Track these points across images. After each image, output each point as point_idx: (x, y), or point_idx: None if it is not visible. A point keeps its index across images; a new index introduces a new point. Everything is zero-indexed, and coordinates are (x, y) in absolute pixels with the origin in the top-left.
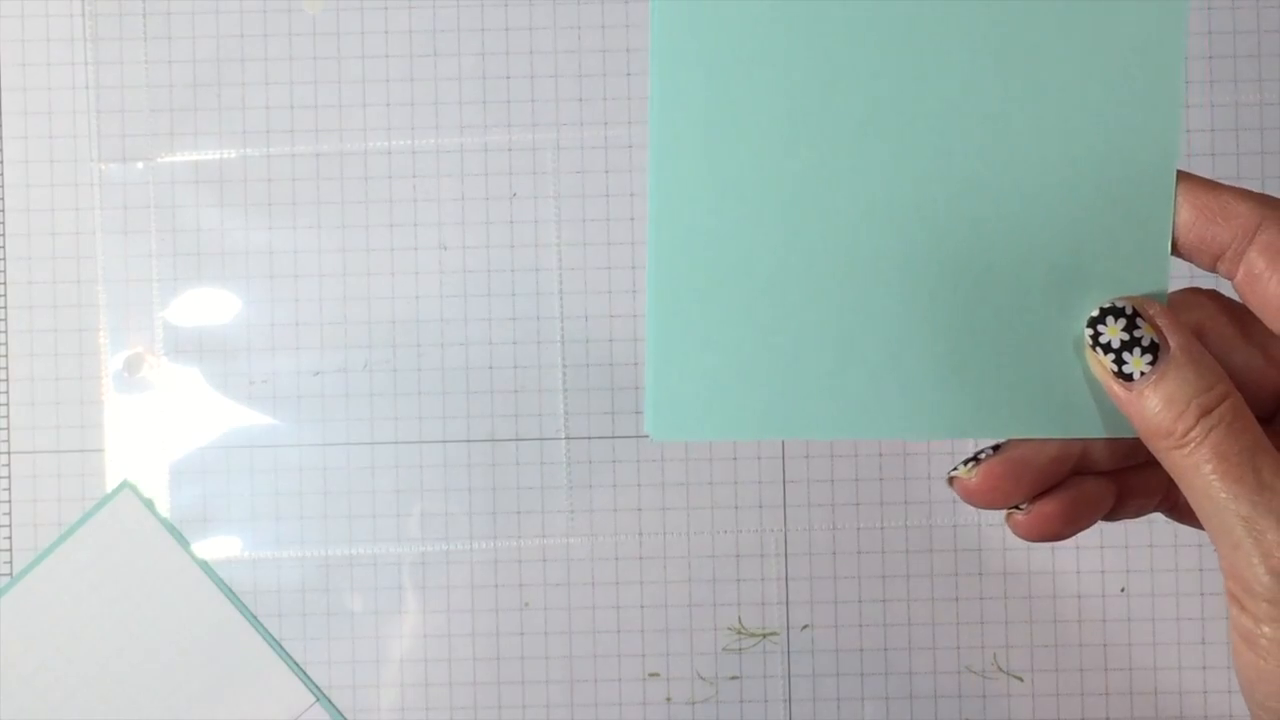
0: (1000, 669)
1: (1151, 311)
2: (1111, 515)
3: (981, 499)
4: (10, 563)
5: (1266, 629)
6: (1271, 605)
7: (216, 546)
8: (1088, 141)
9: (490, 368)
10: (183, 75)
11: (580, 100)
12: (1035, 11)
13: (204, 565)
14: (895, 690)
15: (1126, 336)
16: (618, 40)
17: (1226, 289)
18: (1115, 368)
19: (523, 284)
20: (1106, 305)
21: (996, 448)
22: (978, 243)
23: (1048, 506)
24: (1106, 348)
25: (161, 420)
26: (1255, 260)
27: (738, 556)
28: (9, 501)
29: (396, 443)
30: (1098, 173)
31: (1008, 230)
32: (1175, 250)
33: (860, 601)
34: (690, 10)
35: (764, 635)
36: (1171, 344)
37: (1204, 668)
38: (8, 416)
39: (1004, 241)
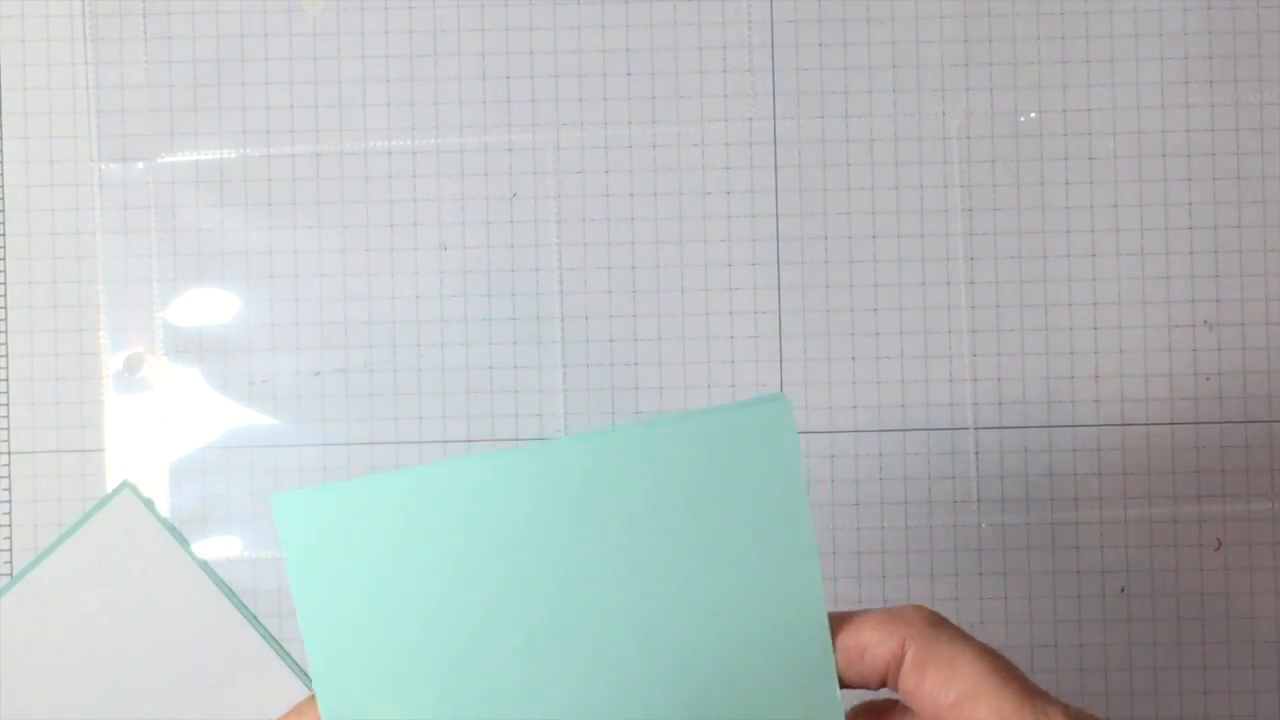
0: None
1: None
2: None
3: None
4: (10, 563)
5: None
6: None
7: (216, 546)
8: (741, 618)
9: (490, 368)
10: (183, 75)
11: (580, 100)
12: (661, 508)
13: (204, 565)
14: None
15: None
16: (618, 40)
17: None
18: None
19: (523, 284)
20: None
21: None
22: None
23: None
24: None
25: (161, 420)
26: (908, 676)
27: None
28: (9, 501)
29: (396, 443)
30: (759, 643)
31: (688, 713)
32: (846, 686)
33: (860, 601)
34: (315, 520)
35: None
36: None
37: (1204, 668)
38: (8, 416)
39: None
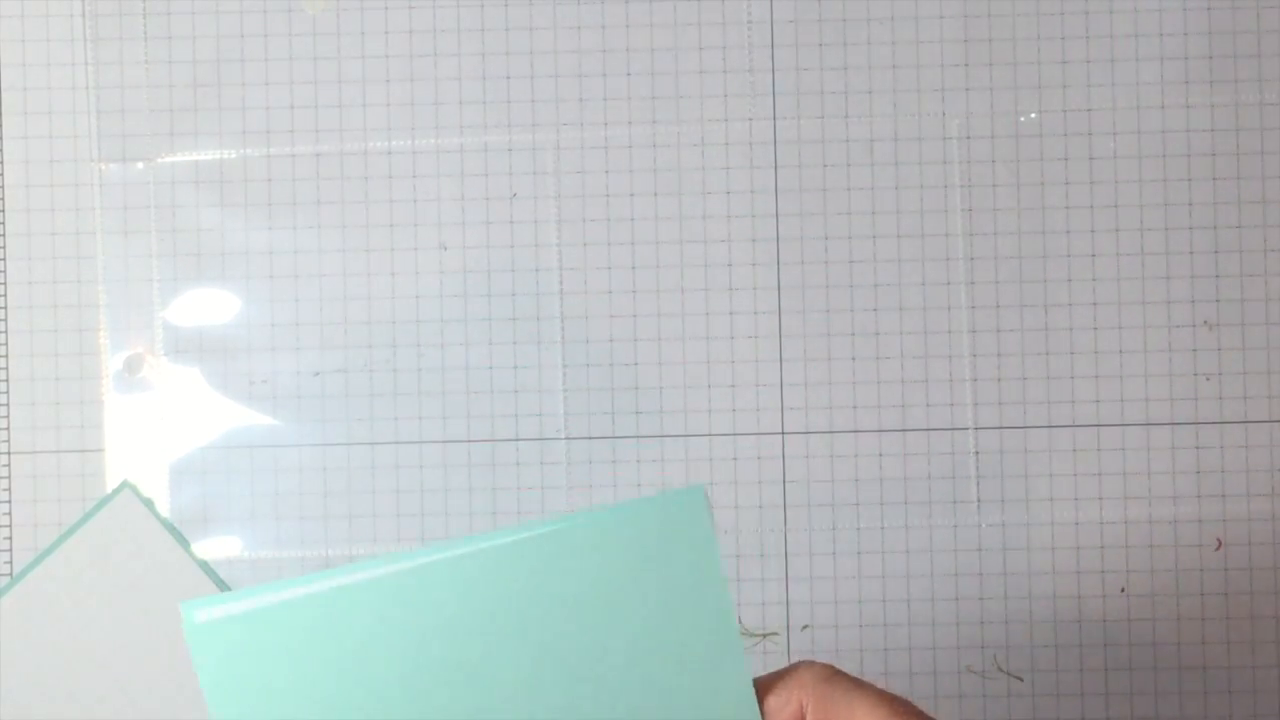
0: (1000, 669)
1: None
2: None
3: None
4: (10, 563)
5: None
6: None
7: (216, 546)
8: (668, 709)
9: (490, 368)
10: (183, 75)
11: (580, 100)
12: (580, 607)
13: (204, 565)
14: (895, 690)
15: None
16: (618, 40)
17: None
18: None
19: (523, 284)
20: None
21: None
22: None
23: None
24: None
25: (161, 420)
26: None
27: (738, 556)
28: (9, 501)
29: (396, 443)
30: None
31: None
32: None
33: (860, 601)
34: (228, 636)
35: (764, 635)
36: None
37: (1204, 668)
38: (8, 416)
39: None
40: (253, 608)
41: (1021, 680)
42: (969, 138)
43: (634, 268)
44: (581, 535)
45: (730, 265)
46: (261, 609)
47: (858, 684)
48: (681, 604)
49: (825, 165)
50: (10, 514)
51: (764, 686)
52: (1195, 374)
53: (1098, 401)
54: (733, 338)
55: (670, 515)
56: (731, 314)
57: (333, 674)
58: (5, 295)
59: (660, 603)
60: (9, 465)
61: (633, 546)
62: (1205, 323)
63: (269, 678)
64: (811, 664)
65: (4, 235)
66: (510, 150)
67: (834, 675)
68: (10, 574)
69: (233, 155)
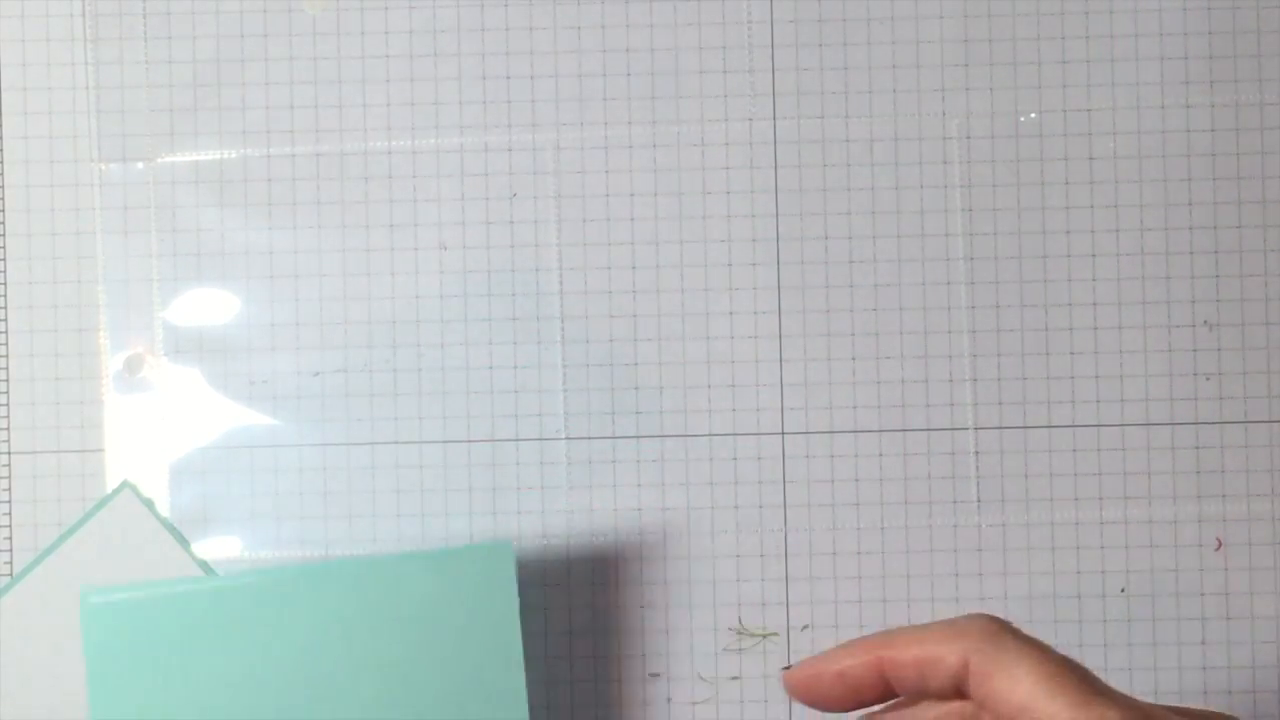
0: None
1: None
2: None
3: (796, 696)
4: (10, 563)
5: None
6: None
7: (216, 546)
8: None
9: (490, 368)
10: (183, 75)
11: (580, 100)
12: (400, 628)
13: (204, 565)
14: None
15: None
16: (618, 40)
17: None
18: None
19: (523, 284)
20: None
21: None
22: None
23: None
24: None
25: (161, 420)
26: (975, 688)
27: (738, 556)
28: (9, 501)
29: (396, 443)
30: None
31: None
32: (926, 698)
33: (860, 601)
34: (117, 623)
35: (764, 635)
36: None
37: (1204, 668)
38: (8, 416)
39: None
40: (140, 598)
41: None
42: (969, 138)
43: (634, 268)
44: (414, 565)
45: (730, 265)
46: (147, 599)
47: (1027, 643)
48: (480, 636)
49: (825, 165)
50: (10, 514)
51: (933, 637)
52: (1195, 374)
53: (1098, 401)
54: (733, 338)
55: (482, 560)
56: (731, 314)
57: (199, 663)
58: (5, 295)
59: (464, 626)
60: (9, 465)
61: (451, 582)
62: (1205, 323)
63: (145, 660)
64: (981, 616)
65: (4, 235)
66: (510, 150)
67: (1002, 630)
68: (10, 574)
69: (233, 155)
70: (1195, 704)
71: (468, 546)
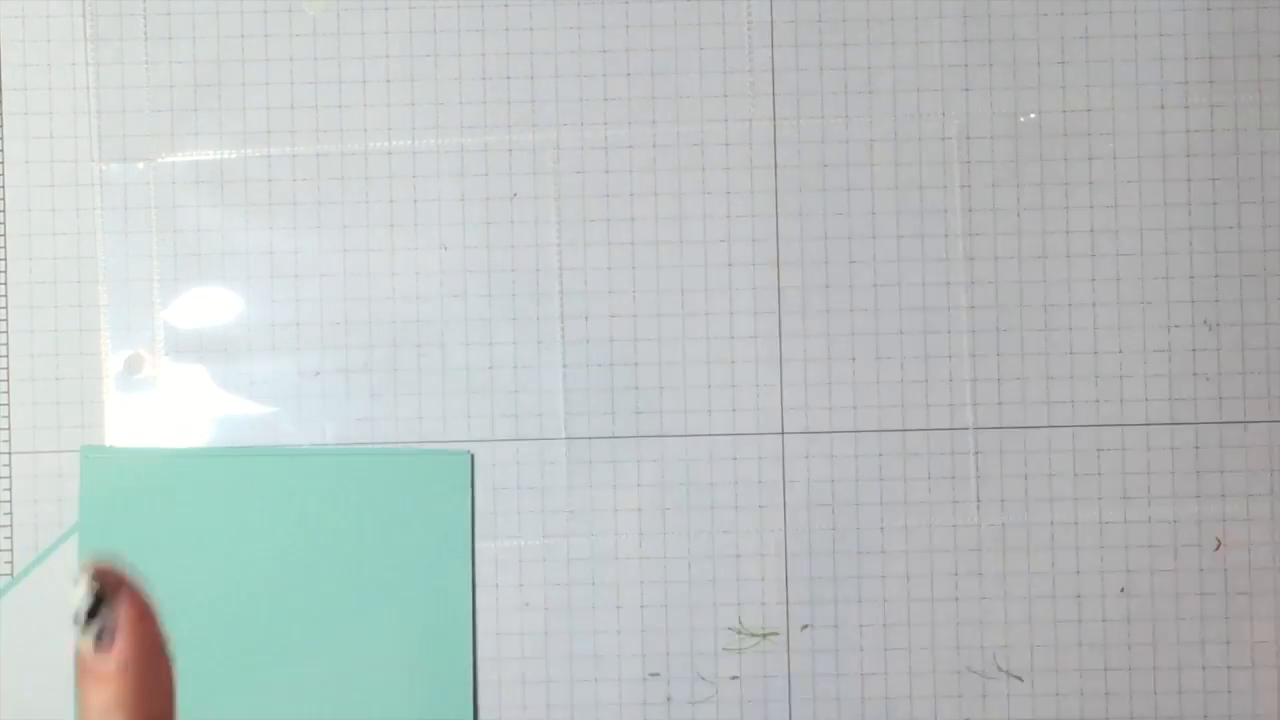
0: (1000, 669)
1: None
2: None
3: None
4: (10, 563)
5: None
6: None
7: None
8: (398, 620)
9: (490, 368)
10: (183, 75)
11: (580, 100)
12: (357, 518)
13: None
14: (895, 690)
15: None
16: (618, 40)
17: None
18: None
19: (523, 284)
20: None
21: None
22: None
23: None
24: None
25: (161, 420)
26: None
27: (738, 556)
28: (9, 501)
29: (396, 443)
30: (408, 648)
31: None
32: None
33: (860, 601)
34: (113, 475)
35: (764, 635)
36: None
37: (1204, 668)
38: (8, 416)
39: None
40: (134, 458)
41: (1021, 680)
42: (969, 138)
43: (634, 268)
44: (378, 461)
45: (730, 265)
46: (144, 455)
47: None
48: (436, 527)
49: (825, 165)
50: (10, 514)
51: None
52: (1195, 374)
53: (1098, 401)
54: (733, 338)
55: (442, 465)
56: (731, 314)
57: (181, 523)
58: (6, 295)
59: (421, 523)
60: (9, 465)
61: (409, 481)
62: (1205, 323)
63: (131, 511)
64: None
65: (4, 235)
66: (510, 150)
67: None
68: (10, 574)
69: (233, 155)
70: (1195, 704)
71: (428, 450)
